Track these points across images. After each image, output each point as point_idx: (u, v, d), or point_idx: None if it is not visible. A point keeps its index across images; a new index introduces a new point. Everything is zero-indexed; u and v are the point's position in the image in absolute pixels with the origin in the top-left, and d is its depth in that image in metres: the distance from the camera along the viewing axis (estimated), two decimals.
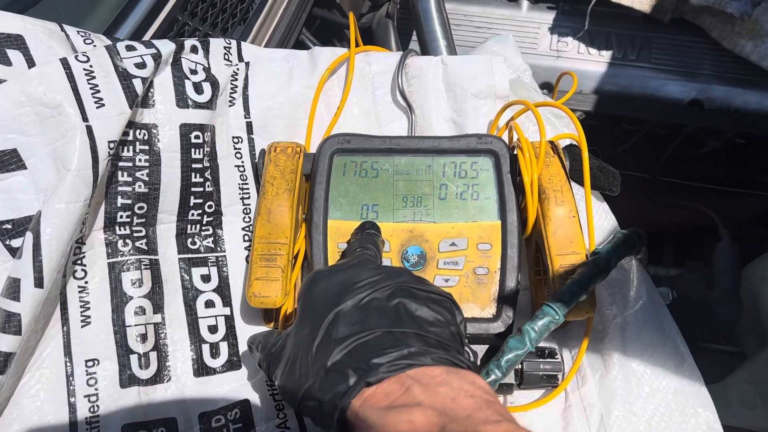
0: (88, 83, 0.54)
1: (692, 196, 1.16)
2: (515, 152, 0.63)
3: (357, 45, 0.74)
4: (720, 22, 1.02)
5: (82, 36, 0.59)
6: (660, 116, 1.05)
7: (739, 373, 0.79)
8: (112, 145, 0.54)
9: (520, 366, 0.58)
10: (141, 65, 0.57)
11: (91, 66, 0.55)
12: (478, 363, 0.59)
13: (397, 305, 0.43)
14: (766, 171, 1.12)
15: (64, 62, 0.54)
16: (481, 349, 0.60)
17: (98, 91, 0.55)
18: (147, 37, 0.69)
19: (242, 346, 0.61)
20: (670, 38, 1.08)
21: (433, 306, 0.44)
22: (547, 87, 1.10)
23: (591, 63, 1.08)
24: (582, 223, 0.61)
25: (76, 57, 0.55)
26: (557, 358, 0.58)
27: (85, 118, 0.53)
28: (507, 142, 0.65)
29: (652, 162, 1.15)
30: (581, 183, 0.64)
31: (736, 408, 0.76)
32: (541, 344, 0.60)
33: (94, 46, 0.59)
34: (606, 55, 1.09)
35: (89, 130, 0.53)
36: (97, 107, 0.54)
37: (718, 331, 0.92)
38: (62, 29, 0.58)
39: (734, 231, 1.03)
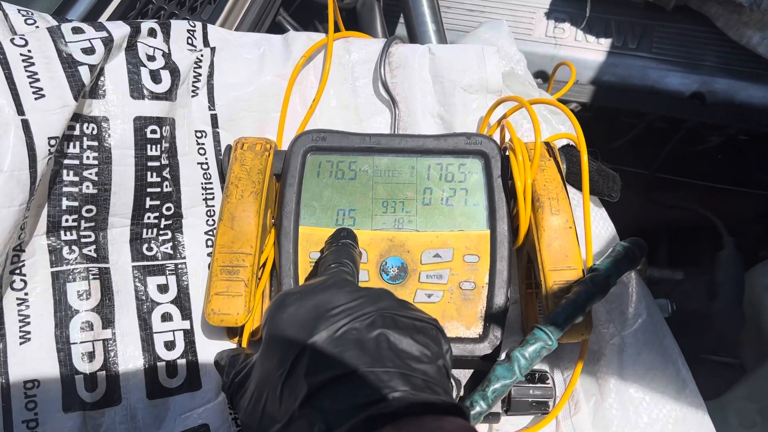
0: (26, 71, 0.48)
1: (692, 193, 1.11)
2: (507, 154, 0.57)
3: (337, 30, 0.67)
4: (726, 11, 0.96)
5: (24, 15, 0.52)
6: (660, 109, 0.99)
7: (739, 390, 0.75)
8: (53, 141, 0.48)
9: None
10: (89, 50, 0.51)
11: (29, 51, 0.49)
12: (461, 392, 0.53)
13: (378, 337, 0.38)
14: None
15: None
16: (465, 374, 0.54)
17: (37, 80, 0.48)
18: (104, 18, 0.62)
19: (203, 364, 0.56)
20: (673, 27, 1.02)
21: (418, 336, 0.39)
22: (542, 76, 1.04)
23: (589, 51, 1.02)
24: (579, 233, 0.55)
25: (11, 40, 0.48)
26: (548, 383, 0.53)
27: (20, 111, 0.47)
28: (498, 142, 0.60)
29: (651, 158, 1.10)
30: (578, 187, 0.58)
31: (735, 427, 0.72)
32: None
33: (37, 27, 0.52)
34: (605, 43, 1.03)
35: (26, 125, 0.47)
36: (35, 98, 0.48)
37: (718, 343, 0.87)
38: (0, 8, 0.52)
39: (736, 233, 0.98)
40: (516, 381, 0.48)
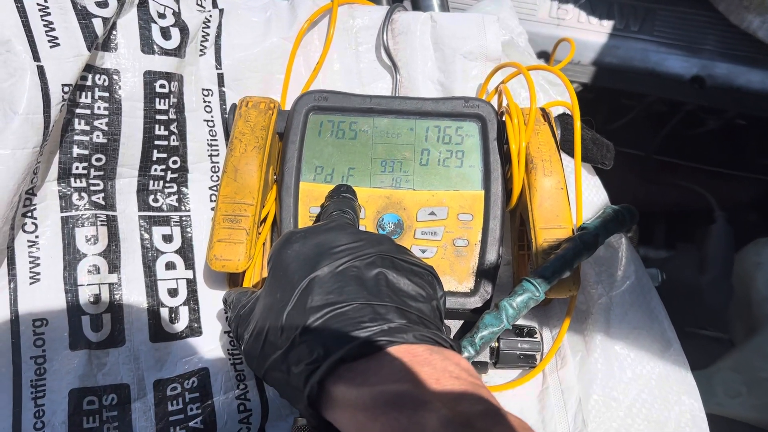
0: (42, 20, 0.50)
1: (688, 176, 1.12)
2: (503, 118, 0.59)
3: None
4: None
5: None
6: (660, 92, 1.01)
7: (725, 361, 0.77)
8: (66, 88, 0.50)
9: (496, 344, 0.54)
10: (102, 4, 0.53)
11: (45, 1, 0.51)
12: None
13: (378, 275, 0.40)
14: (766, 154, 1.08)
15: None
16: (455, 324, 0.56)
17: (53, 29, 0.50)
18: None
19: (204, 312, 0.58)
20: (675, 10, 1.03)
21: (415, 279, 0.41)
22: (545, 56, 1.05)
23: (591, 33, 1.03)
24: (571, 196, 0.57)
25: None
26: (536, 338, 0.55)
27: (36, 58, 0.49)
28: (496, 107, 0.61)
29: (649, 139, 1.11)
30: (572, 154, 0.60)
31: (720, 396, 0.73)
32: (521, 322, 0.57)
33: None
34: (607, 25, 1.04)
35: (41, 71, 0.49)
36: (50, 47, 0.50)
37: (707, 317, 0.89)
38: None
39: (729, 214, 1.00)
40: (503, 329, 0.50)
